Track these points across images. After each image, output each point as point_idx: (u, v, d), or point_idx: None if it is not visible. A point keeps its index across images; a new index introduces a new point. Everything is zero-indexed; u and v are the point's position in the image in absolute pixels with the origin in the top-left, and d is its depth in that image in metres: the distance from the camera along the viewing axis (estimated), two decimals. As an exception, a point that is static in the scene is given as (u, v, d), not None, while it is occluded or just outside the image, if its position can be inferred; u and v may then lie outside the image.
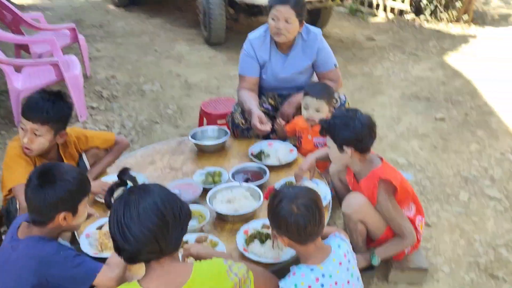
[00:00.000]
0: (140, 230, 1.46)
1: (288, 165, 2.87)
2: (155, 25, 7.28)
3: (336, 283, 1.84)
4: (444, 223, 3.03)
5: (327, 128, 2.37)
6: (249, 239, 2.23)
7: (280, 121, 3.09)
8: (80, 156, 2.70)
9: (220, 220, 2.41)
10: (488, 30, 7.19)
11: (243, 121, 3.15)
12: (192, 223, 2.29)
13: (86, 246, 2.21)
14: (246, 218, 2.37)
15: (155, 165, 2.92)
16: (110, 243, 2.20)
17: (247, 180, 2.67)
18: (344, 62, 5.78)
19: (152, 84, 5.10)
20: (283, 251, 2.17)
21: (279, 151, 2.93)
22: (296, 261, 2.08)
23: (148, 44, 6.41)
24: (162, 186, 1.62)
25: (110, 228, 1.53)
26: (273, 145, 3.01)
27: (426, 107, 4.74)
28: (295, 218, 1.81)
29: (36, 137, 2.36)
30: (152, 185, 1.60)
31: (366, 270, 2.39)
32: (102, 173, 2.79)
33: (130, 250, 1.49)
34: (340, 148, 2.33)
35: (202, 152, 3.04)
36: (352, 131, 2.28)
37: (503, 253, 2.81)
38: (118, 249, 1.52)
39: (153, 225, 1.47)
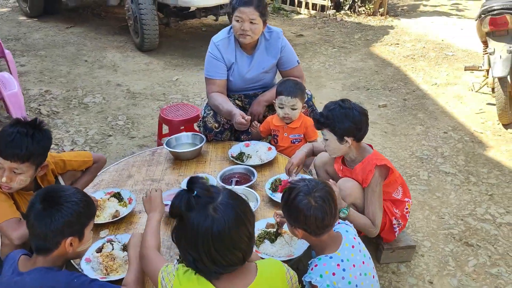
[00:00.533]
0: (232, 250, 1.47)
1: (270, 163, 2.90)
2: (78, 34, 6.91)
3: (354, 266, 1.92)
4: (414, 202, 3.25)
5: (324, 121, 2.41)
6: (258, 240, 2.23)
7: (255, 124, 3.10)
8: (56, 178, 2.51)
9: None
10: (402, 20, 7.74)
11: (216, 125, 3.12)
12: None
13: (89, 271, 2.07)
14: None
15: (133, 178, 2.80)
16: (115, 265, 2.09)
17: (237, 183, 2.66)
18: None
19: (93, 96, 4.85)
20: (293, 247, 2.20)
21: (259, 151, 2.95)
22: (305, 255, 2.15)
23: (76, 55, 6.08)
24: (231, 192, 1.58)
25: (191, 245, 1.48)
26: (251, 145, 3.02)
27: (367, 96, 5.02)
28: (314, 211, 1.85)
29: (15, 175, 2.13)
30: (225, 194, 1.54)
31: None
32: (81, 194, 2.62)
33: (217, 270, 1.49)
34: (341, 139, 2.39)
35: (179, 160, 2.97)
36: (352, 121, 2.35)
37: (471, 222, 3.08)
38: (194, 264, 1.49)
39: (244, 245, 1.50)
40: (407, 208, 2.62)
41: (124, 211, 2.45)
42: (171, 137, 3.10)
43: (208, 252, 1.45)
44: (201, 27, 7.29)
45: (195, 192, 1.51)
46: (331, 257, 1.90)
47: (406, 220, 2.65)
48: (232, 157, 2.91)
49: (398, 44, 6.60)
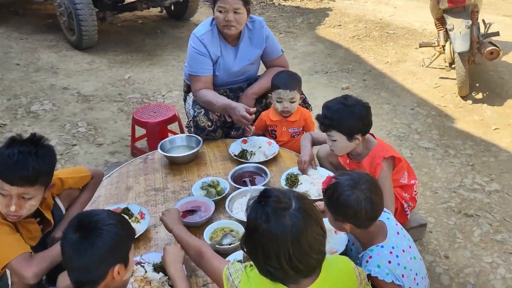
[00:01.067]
0: (311, 254, 1.42)
1: (274, 158, 2.78)
2: (-2, 35, 6.21)
3: (403, 251, 1.89)
4: (407, 180, 3.31)
5: (330, 123, 2.34)
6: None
7: (250, 128, 2.89)
8: (54, 200, 2.21)
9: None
10: (338, 2, 7.86)
11: (209, 123, 2.94)
12: (228, 240, 2.09)
13: (124, 299, 1.85)
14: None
15: (134, 190, 2.55)
16: (151, 288, 1.90)
17: (250, 182, 2.52)
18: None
19: (40, 103, 4.38)
20: (331, 242, 2.12)
21: (262, 147, 2.82)
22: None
23: (3, 58, 5.45)
24: (298, 195, 1.51)
25: (271, 256, 1.41)
26: (249, 141, 2.88)
27: (328, 79, 5.04)
28: (364, 204, 1.79)
29: (25, 201, 1.84)
30: (296, 199, 1.46)
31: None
32: (81, 214, 2.33)
33: (297, 276, 1.45)
34: (350, 138, 2.34)
35: (177, 165, 2.75)
36: (359, 117, 2.30)
37: (463, 193, 3.21)
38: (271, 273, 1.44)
39: (321, 246, 1.45)
40: (415, 190, 2.64)
41: (140, 228, 2.22)
42: (165, 140, 2.87)
43: (289, 259, 1.40)
44: (137, 20, 6.88)
45: (269, 203, 1.44)
46: (382, 246, 1.86)
47: (416, 201, 2.68)
48: (235, 155, 2.76)
49: (340, 25, 6.70)
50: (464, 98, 4.45)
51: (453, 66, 4.45)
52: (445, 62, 4.72)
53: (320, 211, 2.14)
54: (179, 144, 2.89)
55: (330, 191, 1.87)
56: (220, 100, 2.86)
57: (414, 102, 4.47)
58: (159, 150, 2.76)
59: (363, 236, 1.93)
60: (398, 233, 1.95)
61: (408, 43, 5.96)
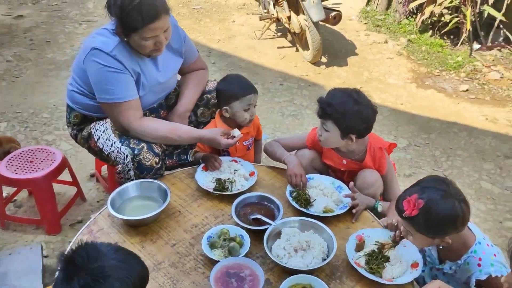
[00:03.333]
0: None
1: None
2: None
3: (484, 238, 1.85)
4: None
5: (332, 113, 2.08)
6: (377, 268, 1.81)
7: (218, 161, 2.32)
8: None
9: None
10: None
11: (157, 159, 2.21)
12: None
13: None
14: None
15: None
16: None
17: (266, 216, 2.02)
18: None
19: None
20: (407, 256, 1.88)
21: (231, 167, 2.31)
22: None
23: None
24: None
25: None
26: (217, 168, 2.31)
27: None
28: (463, 209, 1.66)
29: None
30: None
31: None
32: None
33: None
34: (344, 136, 2.13)
35: (142, 226, 2.02)
36: (364, 119, 2.10)
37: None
38: None
39: None
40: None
41: None
42: (113, 194, 2.04)
43: None
44: None
45: None
46: (479, 243, 1.78)
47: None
48: (215, 190, 2.18)
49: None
50: (314, 64, 4.62)
51: (299, 34, 4.56)
52: (294, 30, 4.72)
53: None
54: (133, 195, 2.11)
55: (424, 212, 1.65)
56: (182, 133, 2.24)
57: (278, 77, 4.41)
58: (114, 213, 1.95)
59: (457, 241, 1.76)
60: (475, 223, 1.91)
61: (223, 17, 5.80)
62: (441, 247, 1.79)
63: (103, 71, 2.13)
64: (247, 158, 2.52)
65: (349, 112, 2.07)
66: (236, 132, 2.25)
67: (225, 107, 2.37)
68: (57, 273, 1.24)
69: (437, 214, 1.62)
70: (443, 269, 1.83)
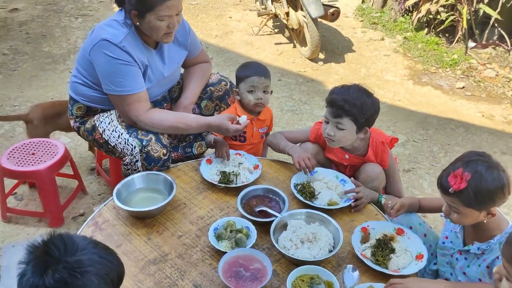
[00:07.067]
0: None
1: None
2: None
3: None
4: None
5: (350, 109, 2.08)
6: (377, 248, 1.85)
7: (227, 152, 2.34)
8: None
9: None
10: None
11: (164, 150, 2.22)
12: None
13: None
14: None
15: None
16: None
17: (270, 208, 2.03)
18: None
19: None
20: (412, 247, 1.91)
21: (235, 160, 2.32)
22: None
23: None
24: None
25: None
26: (214, 159, 2.32)
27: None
28: (508, 181, 1.65)
29: None
30: None
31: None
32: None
33: None
34: (360, 130, 2.15)
35: (149, 218, 2.02)
36: (377, 110, 2.16)
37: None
38: None
39: None
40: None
41: None
42: (118, 186, 2.04)
43: None
44: None
45: None
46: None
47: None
48: (220, 183, 2.18)
49: None
50: (312, 60, 4.63)
51: (297, 31, 4.57)
52: (291, 26, 4.71)
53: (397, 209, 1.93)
54: (139, 187, 2.12)
55: (473, 184, 1.62)
56: (190, 121, 2.24)
57: (276, 73, 4.41)
58: (120, 205, 1.95)
59: (492, 221, 1.74)
60: None
61: (219, 12, 5.79)
62: (485, 221, 1.76)
63: (112, 63, 2.13)
64: (260, 146, 2.58)
65: (366, 105, 2.10)
66: (243, 119, 2.25)
67: (235, 89, 2.43)
68: (21, 265, 1.13)
69: (486, 184, 1.62)
70: (470, 250, 1.79)
